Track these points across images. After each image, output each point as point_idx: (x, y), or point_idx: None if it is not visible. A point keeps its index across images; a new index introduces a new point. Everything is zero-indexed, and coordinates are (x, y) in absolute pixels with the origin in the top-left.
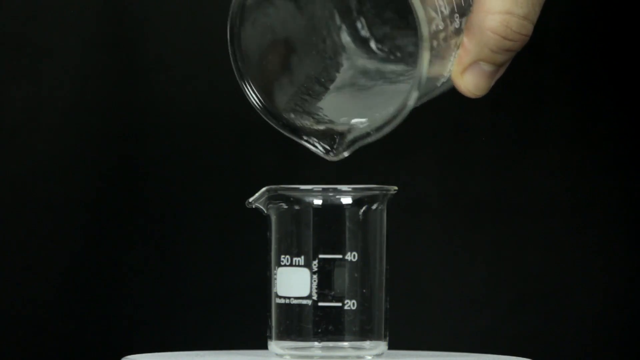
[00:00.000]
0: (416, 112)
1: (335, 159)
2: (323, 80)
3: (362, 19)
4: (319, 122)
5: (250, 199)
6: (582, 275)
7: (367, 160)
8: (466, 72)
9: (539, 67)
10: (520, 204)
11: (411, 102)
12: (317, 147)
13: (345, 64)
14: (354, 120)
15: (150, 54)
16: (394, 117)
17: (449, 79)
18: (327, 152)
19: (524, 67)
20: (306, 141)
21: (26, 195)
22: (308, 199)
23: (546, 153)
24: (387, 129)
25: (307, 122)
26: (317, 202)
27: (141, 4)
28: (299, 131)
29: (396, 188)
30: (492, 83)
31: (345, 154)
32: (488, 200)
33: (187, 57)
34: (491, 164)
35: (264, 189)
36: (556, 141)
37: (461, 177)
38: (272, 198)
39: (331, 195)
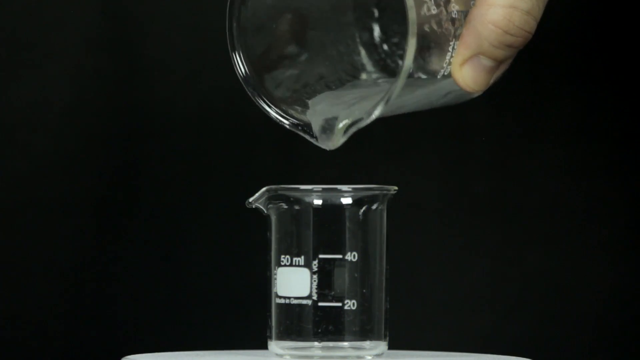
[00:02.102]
0: (416, 112)
1: (331, 146)
2: (334, 87)
3: (381, 32)
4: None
5: (250, 199)
6: (583, 276)
7: (367, 160)
8: (465, 65)
9: (539, 67)
10: (520, 204)
11: (400, 83)
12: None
13: (362, 77)
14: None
15: (150, 54)
16: (384, 99)
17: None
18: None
19: (524, 67)
20: (302, 130)
21: (26, 196)
22: (308, 199)
23: (546, 153)
24: (377, 111)
25: (304, 114)
26: (317, 202)
27: (141, 4)
28: (296, 121)
29: (396, 188)
30: (492, 79)
31: (342, 140)
32: (488, 200)
33: (187, 57)
34: (491, 164)
35: (264, 189)
36: (556, 141)
37: (461, 177)
38: (272, 198)
39: (331, 195)
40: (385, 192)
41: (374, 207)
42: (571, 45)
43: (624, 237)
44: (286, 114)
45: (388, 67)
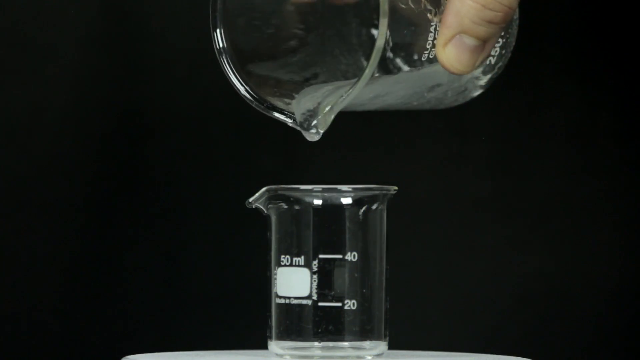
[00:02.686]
0: (416, 111)
1: (315, 135)
2: (329, 83)
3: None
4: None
5: (250, 199)
6: (582, 276)
7: (367, 160)
8: (448, 45)
9: (539, 67)
10: (520, 204)
11: (374, 60)
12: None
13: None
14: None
15: (150, 54)
16: (363, 74)
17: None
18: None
19: (524, 67)
20: (287, 116)
21: (26, 195)
22: (308, 199)
23: (547, 153)
24: (357, 89)
25: (288, 105)
26: (317, 202)
27: (141, 4)
28: (282, 110)
29: (396, 188)
30: (478, 60)
31: (328, 122)
32: (488, 200)
33: (187, 57)
34: (492, 163)
35: (264, 189)
36: (557, 141)
37: (461, 177)
38: (272, 198)
39: (331, 195)
40: (385, 192)
41: (374, 207)
42: (571, 45)
43: (624, 237)
44: (260, 97)
45: (388, 69)
